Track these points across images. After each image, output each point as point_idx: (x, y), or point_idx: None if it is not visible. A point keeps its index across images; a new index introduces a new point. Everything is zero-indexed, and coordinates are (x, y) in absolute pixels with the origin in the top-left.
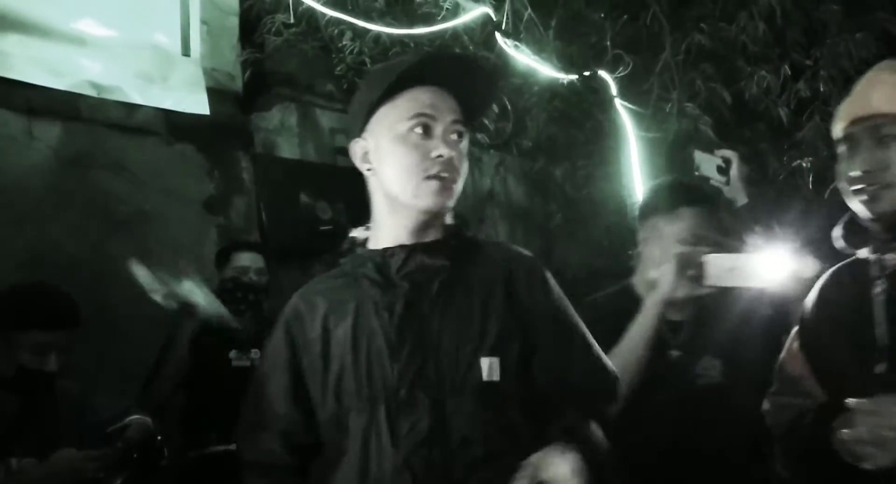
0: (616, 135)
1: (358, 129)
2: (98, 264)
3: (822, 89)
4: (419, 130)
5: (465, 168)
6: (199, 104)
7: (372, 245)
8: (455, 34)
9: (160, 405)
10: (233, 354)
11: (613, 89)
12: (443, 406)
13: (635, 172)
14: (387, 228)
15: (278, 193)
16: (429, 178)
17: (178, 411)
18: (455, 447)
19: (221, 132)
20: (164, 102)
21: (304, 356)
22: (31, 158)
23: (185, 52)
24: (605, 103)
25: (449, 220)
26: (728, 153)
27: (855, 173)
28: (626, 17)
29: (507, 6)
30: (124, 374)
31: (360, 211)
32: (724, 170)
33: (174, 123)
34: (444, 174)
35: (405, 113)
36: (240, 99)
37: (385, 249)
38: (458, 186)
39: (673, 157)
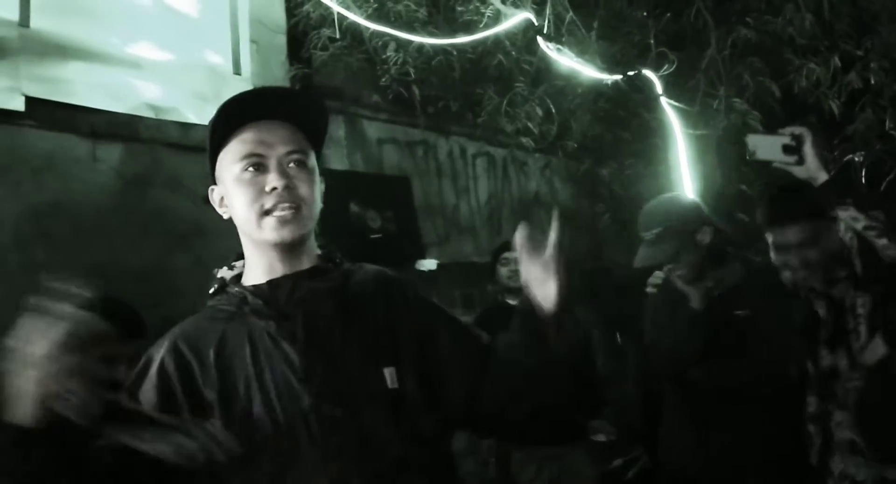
0: (663, 133)
1: (212, 177)
2: (160, 277)
3: (873, 81)
4: (251, 169)
5: (313, 191)
6: None
7: (249, 281)
8: (497, 41)
9: None
10: None
11: (659, 88)
12: (360, 417)
13: (684, 170)
14: (257, 264)
15: (329, 204)
16: (265, 213)
17: None
18: (379, 456)
19: None
20: None
21: (203, 391)
22: (95, 179)
23: (237, 70)
24: (650, 102)
25: (316, 250)
26: (798, 129)
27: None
28: (669, 14)
29: (548, 10)
30: None
31: (408, 218)
32: (793, 148)
33: None
34: (283, 205)
35: (237, 155)
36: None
37: (269, 282)
38: (307, 212)
39: (722, 153)
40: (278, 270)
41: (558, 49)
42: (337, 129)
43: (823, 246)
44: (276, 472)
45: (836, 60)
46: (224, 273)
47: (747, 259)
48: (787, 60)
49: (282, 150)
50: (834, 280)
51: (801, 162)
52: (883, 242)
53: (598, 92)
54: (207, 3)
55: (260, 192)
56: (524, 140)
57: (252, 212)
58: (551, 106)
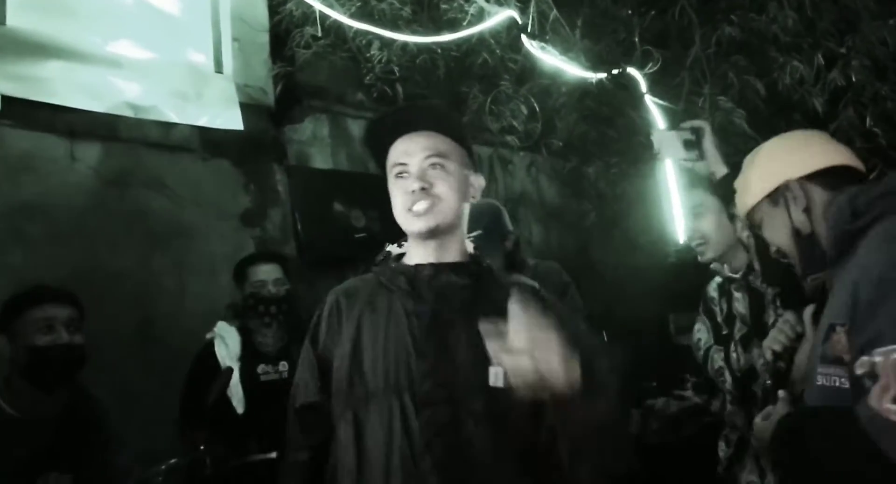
0: (648, 131)
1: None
2: (141, 278)
3: (854, 78)
4: (398, 175)
5: (451, 189)
6: (232, 120)
7: (406, 261)
8: (481, 39)
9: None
10: (261, 368)
11: (643, 86)
12: (457, 401)
13: (668, 168)
14: (413, 250)
15: (313, 203)
16: (409, 210)
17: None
18: (468, 437)
19: (255, 146)
20: (199, 120)
21: (335, 345)
22: (73, 179)
23: (218, 69)
24: (635, 100)
25: (470, 248)
26: (697, 122)
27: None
28: (653, 11)
29: (532, 8)
30: (165, 383)
31: (392, 217)
32: (693, 143)
33: (209, 140)
34: (421, 202)
35: (390, 165)
36: (272, 113)
37: (416, 265)
38: (444, 207)
39: None
40: (428, 258)
41: (542, 47)
42: (321, 127)
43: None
44: (372, 426)
45: (820, 58)
46: (392, 248)
47: (537, 262)
48: (772, 58)
49: (421, 155)
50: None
51: (701, 157)
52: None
53: (583, 90)
54: (189, 0)
55: (405, 194)
56: (509, 138)
57: (401, 209)
58: (535, 105)
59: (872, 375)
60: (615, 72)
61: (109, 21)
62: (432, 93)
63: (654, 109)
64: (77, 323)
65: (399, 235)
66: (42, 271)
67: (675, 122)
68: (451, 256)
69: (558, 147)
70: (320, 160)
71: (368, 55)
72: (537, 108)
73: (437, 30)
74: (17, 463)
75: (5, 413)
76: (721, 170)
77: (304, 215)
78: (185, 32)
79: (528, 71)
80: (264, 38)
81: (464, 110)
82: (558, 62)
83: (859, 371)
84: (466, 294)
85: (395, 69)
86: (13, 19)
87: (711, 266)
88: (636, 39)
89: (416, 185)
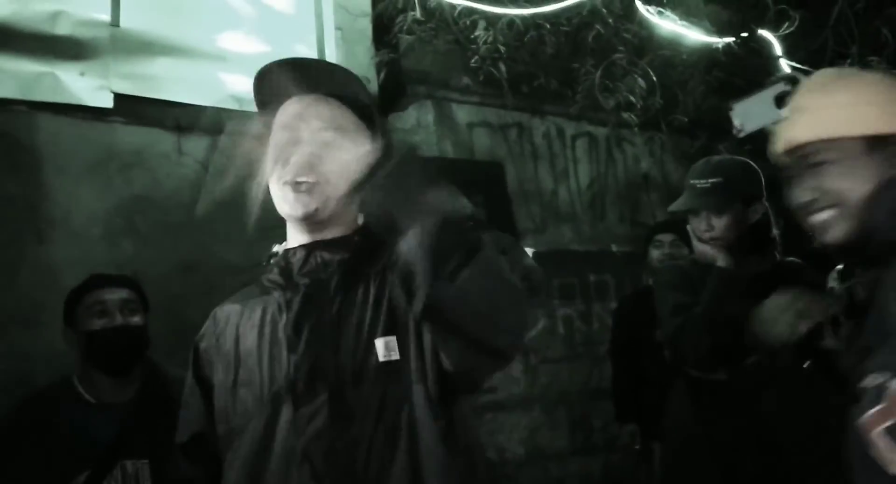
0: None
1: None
2: (248, 268)
3: None
4: (285, 138)
5: (342, 168)
6: None
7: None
8: (593, 9)
9: None
10: None
11: (778, 49)
12: (342, 394)
13: None
14: (290, 236)
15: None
16: (285, 183)
17: None
18: (356, 434)
19: None
20: None
21: (214, 371)
22: (181, 172)
23: (322, 58)
24: (769, 66)
25: (356, 220)
26: (790, 74)
27: (799, 202)
28: None
29: None
30: None
31: (501, 205)
32: (790, 94)
33: None
34: (300, 178)
35: (276, 126)
36: (376, 101)
37: (286, 251)
38: (328, 189)
39: None
40: (300, 240)
41: (660, 13)
42: (425, 114)
43: None
44: (255, 441)
45: None
46: (278, 247)
47: (780, 258)
48: None
49: (315, 124)
50: None
51: None
52: None
53: (709, 59)
54: None
55: (286, 163)
56: (626, 116)
57: (276, 180)
58: (654, 78)
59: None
60: (744, 35)
61: (215, 17)
62: (541, 71)
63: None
64: (134, 305)
65: (507, 224)
66: (151, 262)
67: None
68: (331, 233)
69: (683, 123)
70: (425, 148)
71: (473, 36)
72: (657, 82)
73: (545, 2)
74: (96, 449)
75: (83, 399)
76: None
77: None
78: (288, 24)
79: (645, 41)
80: (367, 26)
81: (575, 88)
82: (679, 29)
83: (868, 383)
84: (343, 270)
85: (501, 49)
86: (126, 21)
87: None
88: None
89: (300, 158)
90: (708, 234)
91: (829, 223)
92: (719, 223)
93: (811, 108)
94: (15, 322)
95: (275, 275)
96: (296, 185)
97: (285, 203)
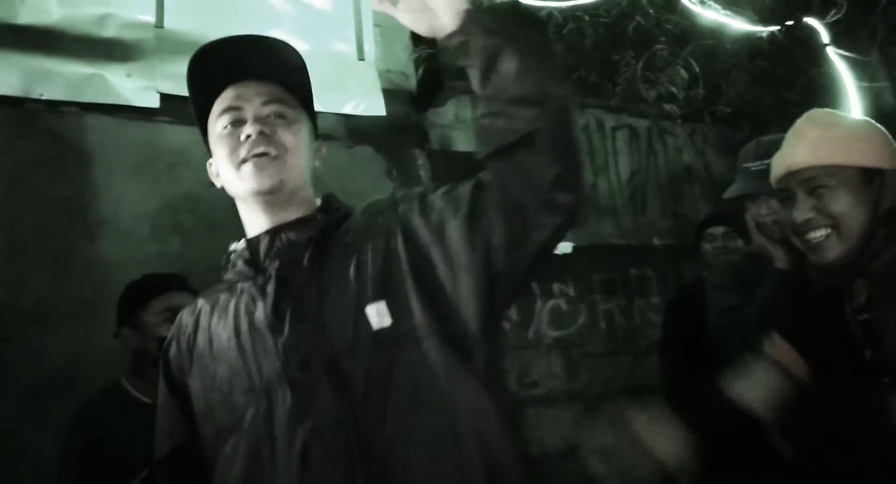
0: (833, 90)
1: (208, 150)
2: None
3: None
4: (229, 123)
5: (296, 142)
6: (376, 107)
7: (242, 244)
8: (633, 0)
9: None
10: None
11: (825, 37)
12: (338, 368)
13: None
14: (249, 226)
15: None
16: (243, 162)
17: None
18: (364, 406)
19: (398, 132)
20: (344, 108)
21: (190, 376)
22: None
23: (361, 56)
24: (816, 55)
25: (315, 200)
26: None
27: (799, 220)
28: None
29: None
30: None
31: None
32: None
33: (354, 127)
34: (258, 150)
35: (215, 115)
36: (414, 97)
37: (248, 241)
38: (290, 160)
39: None
40: (264, 226)
41: (702, 2)
42: (463, 109)
43: None
44: (254, 434)
45: None
46: (235, 245)
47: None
48: None
49: (258, 100)
50: None
51: None
52: None
53: (753, 48)
54: None
55: (236, 145)
56: (668, 107)
57: (231, 163)
58: (696, 68)
59: None
60: (790, 23)
61: (255, 16)
62: (580, 63)
63: (840, 63)
64: None
65: None
66: (197, 259)
67: (866, 76)
68: (293, 213)
69: (726, 114)
70: (463, 143)
71: None
72: (699, 73)
73: None
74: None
75: (137, 400)
76: None
77: None
78: (328, 23)
79: (686, 31)
80: None
81: (615, 80)
82: (722, 18)
83: None
84: (313, 247)
85: None
86: (170, 21)
87: None
88: None
89: (253, 129)
90: (770, 218)
91: (825, 243)
92: (771, 213)
93: (812, 138)
94: (67, 319)
95: (240, 266)
96: (256, 160)
97: (247, 181)
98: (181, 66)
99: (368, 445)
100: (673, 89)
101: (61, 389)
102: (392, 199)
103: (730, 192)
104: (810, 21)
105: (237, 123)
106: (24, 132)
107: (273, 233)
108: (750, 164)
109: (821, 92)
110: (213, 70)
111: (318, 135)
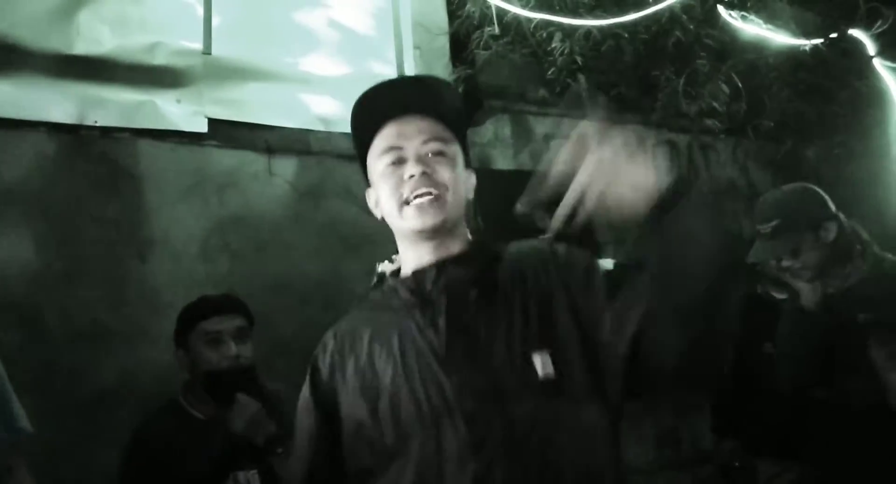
0: (879, 102)
1: (366, 180)
2: (335, 284)
3: None
4: (392, 163)
5: (454, 178)
6: None
7: (402, 273)
8: (672, 16)
9: None
10: None
11: (871, 48)
12: (509, 411)
13: None
14: (408, 256)
15: (495, 206)
16: (406, 202)
17: None
18: (531, 450)
19: None
20: None
21: (341, 394)
22: (271, 192)
23: (401, 77)
24: (861, 67)
25: (468, 235)
26: None
27: None
28: None
29: None
30: None
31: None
32: None
33: None
34: (421, 191)
35: (378, 152)
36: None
37: (415, 272)
38: (448, 198)
39: None
40: (426, 260)
41: (743, 17)
42: (502, 127)
43: None
44: (422, 462)
45: None
46: (384, 267)
47: (878, 256)
48: None
49: (418, 139)
50: None
51: None
52: None
53: (795, 62)
54: (373, 14)
55: (399, 182)
56: (709, 122)
57: (394, 202)
58: (738, 82)
59: None
60: (833, 36)
61: (299, 42)
62: (620, 80)
63: (887, 75)
64: (245, 331)
65: (586, 235)
66: (245, 279)
67: None
68: (454, 248)
69: (769, 128)
70: (502, 161)
71: (549, 48)
72: (741, 87)
73: (622, 12)
74: (208, 463)
75: (193, 417)
76: None
77: (487, 218)
78: (369, 45)
79: (727, 46)
80: (444, 43)
81: (656, 96)
82: (763, 32)
83: None
84: (482, 283)
85: (578, 59)
86: (217, 48)
87: None
88: None
89: (416, 170)
90: (787, 274)
91: None
92: (794, 262)
93: None
94: (121, 339)
95: (404, 294)
96: (418, 201)
97: (410, 220)
98: (228, 92)
99: None
100: (714, 104)
101: (116, 406)
102: (552, 251)
103: (750, 258)
104: (855, 33)
105: (399, 162)
106: (79, 158)
107: (439, 267)
108: (760, 227)
109: (866, 104)
110: (375, 107)
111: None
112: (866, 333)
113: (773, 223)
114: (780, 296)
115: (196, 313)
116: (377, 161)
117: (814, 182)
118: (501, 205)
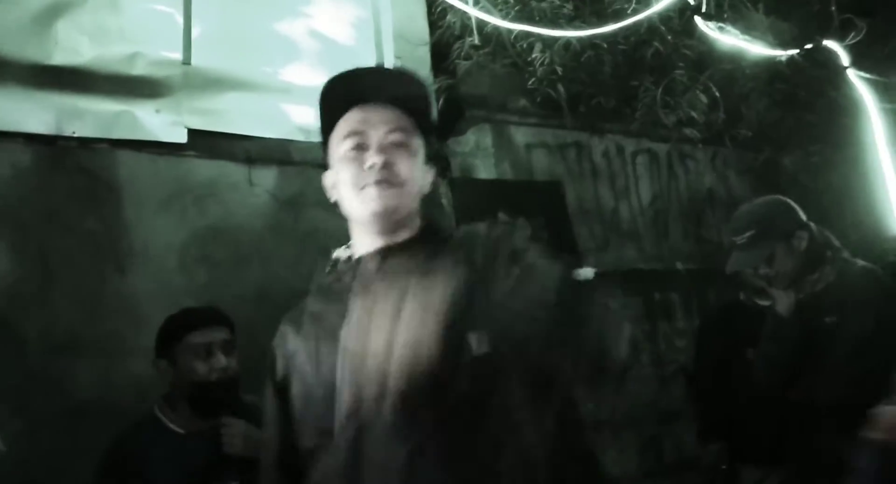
0: (854, 111)
1: (326, 162)
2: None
3: None
4: (353, 148)
5: (413, 171)
6: None
7: (351, 260)
8: (651, 27)
9: None
10: None
11: (845, 59)
12: (443, 390)
13: (882, 152)
14: (360, 244)
15: (477, 215)
16: (364, 187)
17: None
18: (464, 428)
19: None
20: None
21: (292, 377)
22: (252, 203)
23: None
24: (836, 77)
25: (419, 222)
26: None
27: None
28: None
29: None
30: None
31: (561, 225)
32: None
33: None
34: (379, 178)
35: (341, 135)
36: (435, 126)
37: (361, 257)
38: (407, 189)
39: None
40: (374, 247)
41: (720, 28)
42: (484, 137)
43: None
44: (357, 441)
45: None
46: (339, 253)
47: (846, 261)
48: None
49: (383, 128)
50: None
51: None
52: None
53: (772, 72)
54: (354, 24)
55: (359, 170)
56: (688, 131)
57: (353, 188)
58: (716, 92)
59: None
60: (809, 47)
61: (280, 52)
62: (599, 90)
63: (860, 85)
64: (231, 343)
65: (567, 244)
66: (225, 290)
67: (887, 97)
68: (401, 235)
69: (746, 137)
70: (484, 170)
71: (530, 59)
72: (718, 97)
73: (602, 23)
74: (188, 477)
75: (172, 431)
76: None
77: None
78: (349, 55)
79: (705, 57)
80: (425, 53)
81: (635, 105)
82: (740, 43)
83: None
84: (422, 268)
85: (558, 70)
86: (196, 58)
87: None
88: (833, 8)
89: (376, 160)
90: (764, 282)
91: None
92: (769, 270)
93: None
94: (99, 351)
95: (348, 280)
96: (377, 184)
97: (367, 202)
98: (208, 102)
99: (460, 464)
100: (693, 114)
101: (93, 418)
102: (491, 236)
103: (728, 269)
104: (830, 44)
105: (360, 148)
106: (57, 169)
107: (384, 253)
108: (735, 238)
109: (841, 113)
110: (344, 90)
111: (430, 159)
112: (832, 335)
113: (748, 234)
114: (763, 303)
115: (184, 324)
116: (339, 144)
117: (791, 190)
118: (481, 213)
